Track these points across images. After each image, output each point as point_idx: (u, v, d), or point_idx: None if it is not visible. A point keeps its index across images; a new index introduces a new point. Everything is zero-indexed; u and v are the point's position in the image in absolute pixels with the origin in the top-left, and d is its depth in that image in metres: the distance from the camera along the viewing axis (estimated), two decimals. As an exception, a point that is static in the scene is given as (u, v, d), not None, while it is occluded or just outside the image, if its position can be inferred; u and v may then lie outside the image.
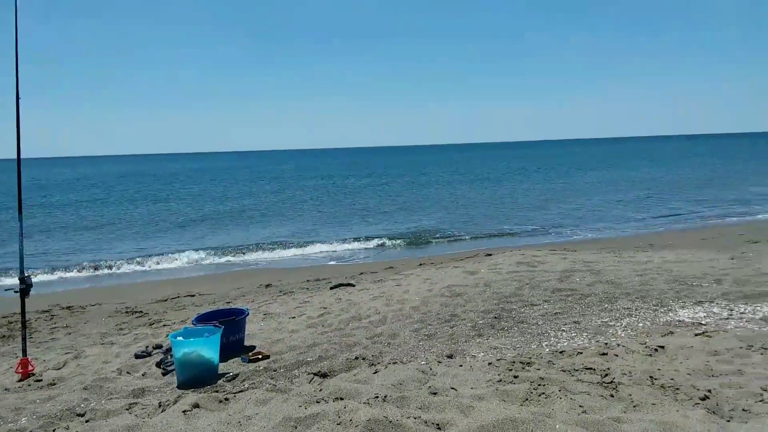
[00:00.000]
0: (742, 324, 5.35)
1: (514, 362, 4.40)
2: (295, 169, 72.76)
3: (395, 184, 38.17)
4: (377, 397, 3.52)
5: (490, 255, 10.62)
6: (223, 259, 14.13)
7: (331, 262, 13.08)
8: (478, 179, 40.57)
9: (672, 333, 5.14)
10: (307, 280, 10.44)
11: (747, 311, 5.85)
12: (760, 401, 3.28)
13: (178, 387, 4.55)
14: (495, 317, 6.23)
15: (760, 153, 68.68)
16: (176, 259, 14.20)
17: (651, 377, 3.79)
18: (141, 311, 8.67)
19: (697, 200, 21.98)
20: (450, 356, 4.94)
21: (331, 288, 8.92)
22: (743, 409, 3.16)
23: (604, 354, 4.40)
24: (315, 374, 4.57)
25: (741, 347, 4.44)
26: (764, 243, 10.33)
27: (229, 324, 5.47)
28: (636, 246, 11.30)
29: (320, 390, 3.79)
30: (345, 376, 4.33)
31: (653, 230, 15.12)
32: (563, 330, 5.59)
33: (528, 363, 4.35)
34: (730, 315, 5.74)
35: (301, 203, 27.93)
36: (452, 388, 3.71)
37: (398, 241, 15.14)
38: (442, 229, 16.78)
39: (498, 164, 64.48)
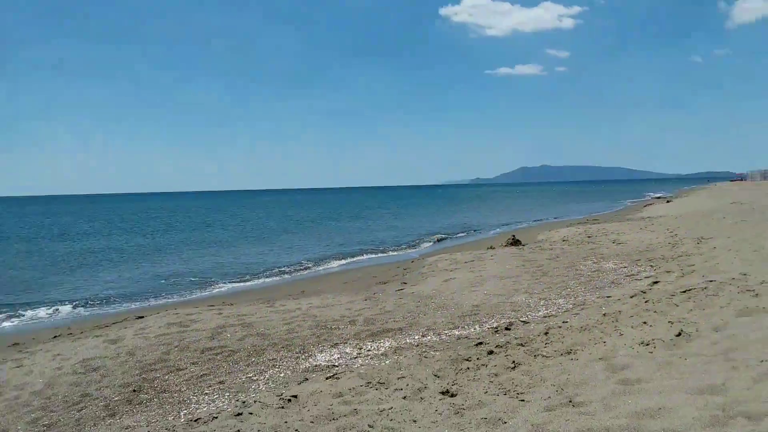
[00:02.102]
0: (367, 361, 6.01)
1: (142, 443, 4.03)
2: None
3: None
4: None
5: (142, 317, 9.85)
6: None
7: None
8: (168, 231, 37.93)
9: (307, 380, 5.45)
10: None
11: (372, 348, 6.62)
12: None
13: None
14: (134, 390, 5.72)
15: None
16: None
17: (278, 432, 3.89)
18: None
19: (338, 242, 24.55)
20: (71, 447, 4.28)
21: None
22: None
23: (239, 414, 4.37)
24: None
25: (361, 385, 4.95)
26: (391, 284, 12.02)
27: None
28: (289, 294, 11.92)
29: None
30: None
31: (307, 275, 16.24)
32: (206, 393, 5.42)
33: (159, 440, 4.04)
34: (359, 353, 6.41)
35: None
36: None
37: (31, 313, 12.88)
38: (94, 292, 14.97)
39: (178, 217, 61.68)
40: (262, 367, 6.18)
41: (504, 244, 17.47)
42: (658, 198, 50.71)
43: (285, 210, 68.04)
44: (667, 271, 9.77)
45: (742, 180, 76.90)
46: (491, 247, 17.02)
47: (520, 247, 16.56)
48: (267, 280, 15.88)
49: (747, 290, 7.09)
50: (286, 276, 16.51)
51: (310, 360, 6.31)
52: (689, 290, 7.69)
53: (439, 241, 24.94)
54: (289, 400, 4.66)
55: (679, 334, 5.25)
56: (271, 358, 6.55)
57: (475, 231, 29.09)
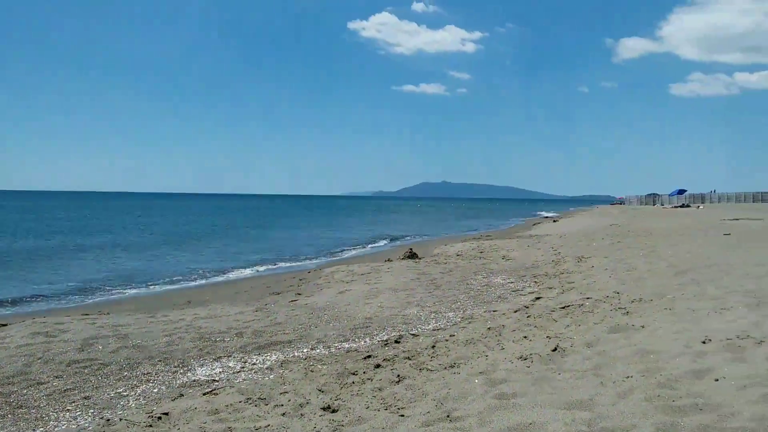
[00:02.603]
0: (250, 375, 5.76)
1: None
2: None
3: None
4: None
5: (4, 326, 8.92)
6: None
7: None
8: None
9: (183, 395, 5.14)
10: None
11: (258, 362, 6.38)
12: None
13: None
14: (-16, 407, 5.11)
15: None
16: None
17: (142, 454, 3.60)
18: None
19: (233, 252, 23.80)
20: None
21: None
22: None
23: (99, 435, 4.01)
24: None
25: (240, 401, 4.72)
26: (285, 294, 11.74)
27: None
28: (174, 304, 11.31)
29: None
30: None
31: (196, 285, 15.52)
32: (68, 410, 4.95)
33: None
34: (243, 367, 6.15)
35: None
36: None
37: None
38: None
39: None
40: (135, 382, 5.76)
41: (401, 257, 17.66)
42: (546, 218, 53.71)
43: (182, 216, 65.24)
44: (549, 288, 10.27)
45: (621, 203, 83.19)
46: (389, 260, 17.16)
47: (417, 260, 16.81)
48: (152, 288, 15.01)
49: (619, 308, 7.57)
50: (174, 285, 15.70)
51: (189, 374, 5.97)
52: (568, 306, 8.10)
53: (338, 252, 24.85)
54: (159, 418, 4.34)
55: (555, 349, 5.47)
56: (145, 372, 6.12)
57: (373, 244, 29.30)
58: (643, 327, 6.23)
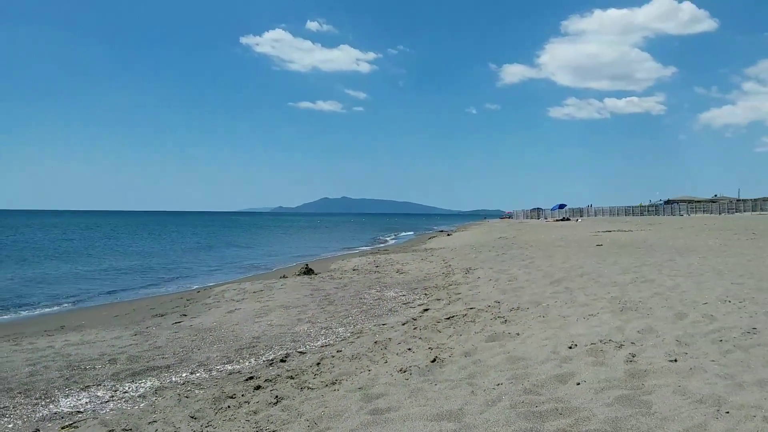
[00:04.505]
0: (119, 405, 5.40)
1: None
2: None
3: None
4: None
5: None
6: None
7: None
8: None
9: (39, 430, 4.72)
10: None
11: (130, 389, 5.99)
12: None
13: None
14: None
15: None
16: None
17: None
18: None
19: (132, 271, 22.44)
20: None
21: None
22: None
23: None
24: None
25: (102, 434, 4.40)
26: (169, 316, 11.13)
27: None
28: (45, 329, 10.41)
29: None
30: None
31: (72, 308, 14.42)
32: None
33: None
34: (113, 396, 5.75)
35: None
36: None
37: None
38: None
39: None
40: (-14, 420, 5.21)
41: (296, 273, 17.44)
42: (441, 231, 55.36)
43: (64, 232, 60.59)
44: (437, 299, 10.54)
45: (509, 217, 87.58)
46: (284, 276, 16.87)
47: (312, 276, 16.66)
48: (20, 313, 13.76)
49: (498, 317, 7.90)
50: (50, 308, 14.47)
51: (51, 407, 5.49)
52: (452, 317, 8.34)
53: (234, 272, 24.12)
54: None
55: (434, 360, 5.60)
56: (1, 406, 5.57)
57: (271, 261, 28.77)
58: (518, 335, 6.54)
